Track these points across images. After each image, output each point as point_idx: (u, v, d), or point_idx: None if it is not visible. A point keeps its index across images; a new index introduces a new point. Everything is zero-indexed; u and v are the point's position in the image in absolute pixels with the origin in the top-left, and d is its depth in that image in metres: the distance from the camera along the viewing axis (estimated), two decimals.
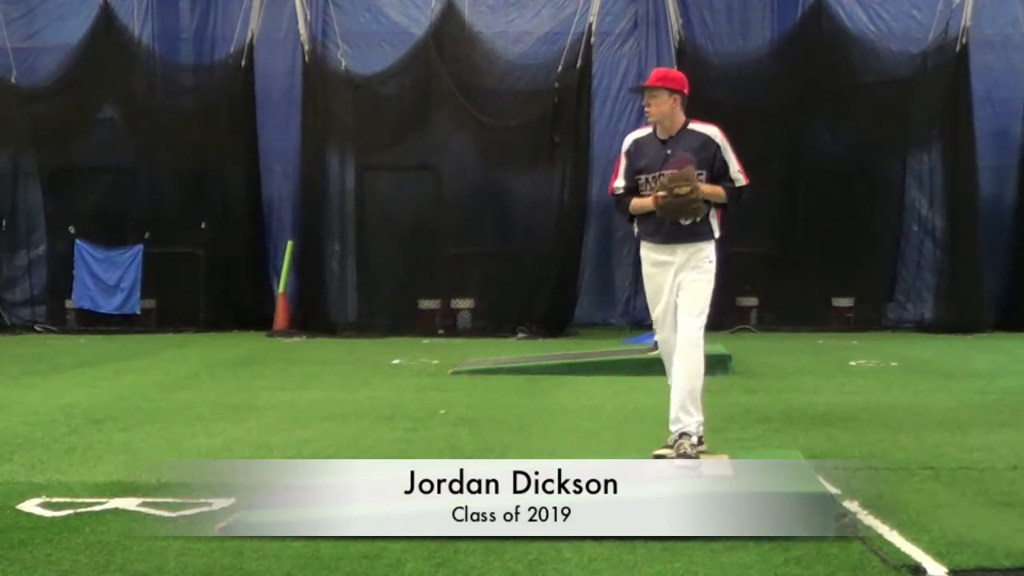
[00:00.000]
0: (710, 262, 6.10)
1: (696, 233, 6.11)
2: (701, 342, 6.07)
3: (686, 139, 6.07)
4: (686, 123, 6.13)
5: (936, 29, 17.33)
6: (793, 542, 4.89)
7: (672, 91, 6.09)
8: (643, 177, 6.14)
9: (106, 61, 18.06)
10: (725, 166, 6.07)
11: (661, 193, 5.98)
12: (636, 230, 6.34)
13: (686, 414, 6.00)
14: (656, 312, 6.23)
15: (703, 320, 6.08)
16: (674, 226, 6.07)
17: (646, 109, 6.11)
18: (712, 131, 6.09)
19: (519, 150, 17.40)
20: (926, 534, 5.05)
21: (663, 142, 6.11)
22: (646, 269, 6.25)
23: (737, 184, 6.10)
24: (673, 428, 6.04)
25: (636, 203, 6.19)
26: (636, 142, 6.23)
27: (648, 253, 6.23)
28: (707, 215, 6.10)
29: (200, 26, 18.68)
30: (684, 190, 5.92)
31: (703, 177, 6.01)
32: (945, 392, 10.21)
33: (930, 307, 17.65)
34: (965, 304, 17.06)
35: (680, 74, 6.37)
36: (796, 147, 17.84)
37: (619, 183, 6.26)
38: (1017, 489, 6.07)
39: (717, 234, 6.17)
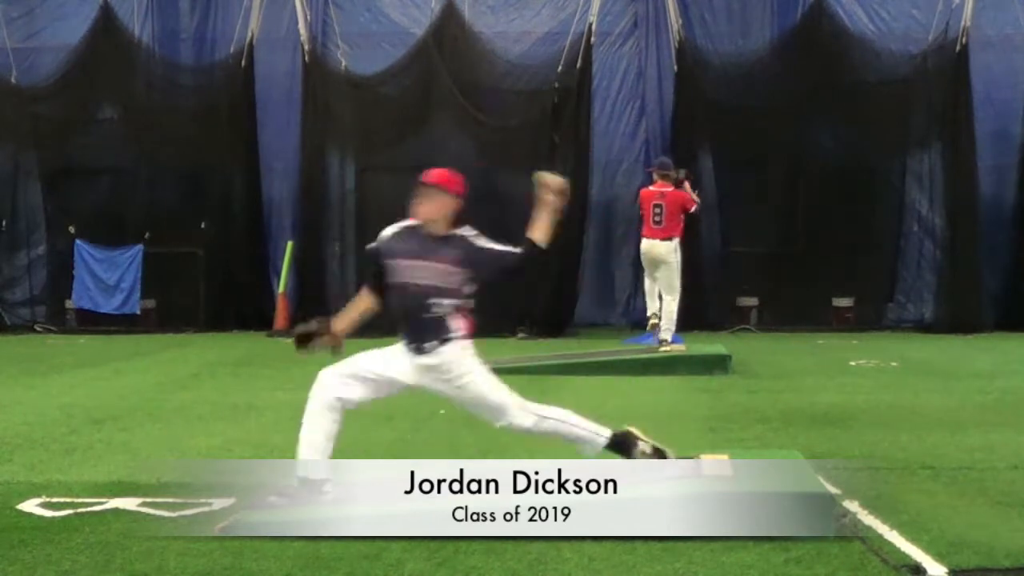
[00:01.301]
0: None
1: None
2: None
3: (454, 243, 5.64)
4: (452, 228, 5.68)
5: (936, 29, 17.32)
6: (793, 542, 4.89)
7: (452, 195, 5.62)
8: (397, 263, 5.65)
9: (106, 61, 18.04)
10: (488, 250, 5.72)
11: None
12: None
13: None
14: None
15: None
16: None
17: (415, 207, 5.62)
18: (467, 231, 5.71)
19: (519, 150, 17.39)
20: (926, 534, 5.05)
21: (433, 239, 5.64)
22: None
23: (513, 251, 5.72)
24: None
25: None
26: (405, 229, 5.71)
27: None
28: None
29: (200, 26, 18.68)
30: None
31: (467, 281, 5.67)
32: (945, 392, 10.21)
33: (930, 307, 17.64)
34: (965, 304, 17.05)
35: (460, 177, 5.76)
36: (796, 147, 17.84)
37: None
38: (1017, 489, 6.08)
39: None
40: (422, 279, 5.64)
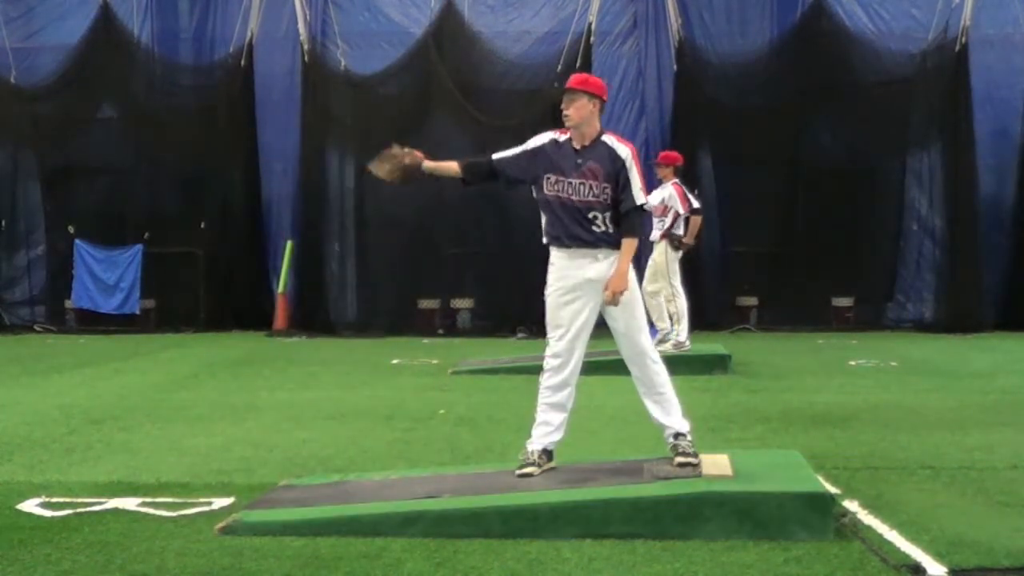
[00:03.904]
0: None
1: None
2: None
3: (598, 150, 6.01)
4: (601, 133, 6.05)
5: (936, 29, 17.32)
6: (793, 542, 4.89)
7: (591, 96, 6.01)
8: (551, 176, 6.11)
9: (106, 61, 18.04)
10: (628, 184, 5.97)
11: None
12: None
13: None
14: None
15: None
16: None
17: (564, 112, 6.03)
18: (625, 151, 5.97)
19: None
20: (926, 534, 5.05)
21: (576, 151, 6.04)
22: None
23: (637, 202, 5.99)
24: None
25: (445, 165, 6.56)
26: (556, 142, 6.16)
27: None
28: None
29: (200, 26, 18.67)
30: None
31: (608, 190, 5.94)
32: (945, 392, 10.20)
33: (930, 307, 17.65)
34: (965, 304, 17.05)
35: (600, 81, 6.27)
36: (796, 147, 17.83)
37: (502, 155, 6.35)
38: (1017, 489, 6.07)
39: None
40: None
